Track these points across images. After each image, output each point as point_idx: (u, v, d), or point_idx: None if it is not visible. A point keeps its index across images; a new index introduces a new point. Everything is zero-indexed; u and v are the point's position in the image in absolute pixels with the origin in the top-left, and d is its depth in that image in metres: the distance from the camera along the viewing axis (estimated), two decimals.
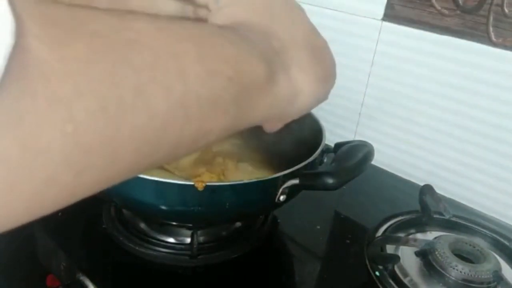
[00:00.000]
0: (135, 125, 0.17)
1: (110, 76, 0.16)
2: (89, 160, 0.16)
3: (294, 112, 0.29)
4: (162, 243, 0.56)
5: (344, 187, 0.48)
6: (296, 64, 0.28)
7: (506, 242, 0.59)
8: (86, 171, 0.16)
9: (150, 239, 0.56)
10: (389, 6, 0.74)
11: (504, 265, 0.55)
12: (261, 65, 0.25)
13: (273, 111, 0.27)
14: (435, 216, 0.62)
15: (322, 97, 0.31)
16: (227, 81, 0.22)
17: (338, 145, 0.56)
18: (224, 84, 0.22)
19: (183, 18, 0.26)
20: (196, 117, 0.20)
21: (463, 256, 0.54)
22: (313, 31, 0.31)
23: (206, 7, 0.30)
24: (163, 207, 0.48)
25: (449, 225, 0.62)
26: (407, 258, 0.55)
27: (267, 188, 0.49)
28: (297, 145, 0.65)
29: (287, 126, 0.31)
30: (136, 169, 0.20)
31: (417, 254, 0.54)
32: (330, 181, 0.46)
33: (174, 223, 0.56)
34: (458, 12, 0.68)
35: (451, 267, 0.51)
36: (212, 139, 0.23)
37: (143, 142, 0.18)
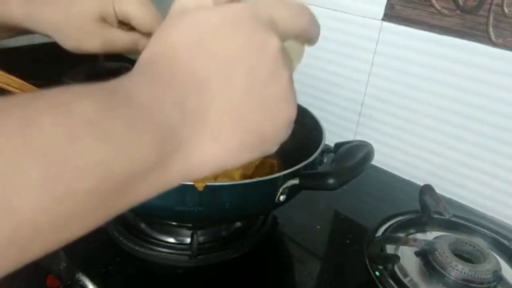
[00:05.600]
0: None
1: None
2: None
3: (194, 177, 0.24)
4: (162, 243, 0.56)
5: (344, 187, 0.48)
6: (214, 132, 0.23)
7: (506, 242, 0.59)
8: None
9: (150, 239, 0.56)
10: (389, 6, 0.74)
11: (504, 265, 0.55)
12: (148, 151, 0.20)
13: (160, 189, 0.22)
14: (435, 216, 0.62)
15: (248, 159, 0.24)
16: (87, 195, 0.18)
17: (338, 145, 0.56)
18: (82, 199, 0.18)
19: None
20: (38, 244, 0.18)
21: (463, 256, 0.54)
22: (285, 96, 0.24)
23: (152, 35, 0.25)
24: (163, 207, 0.48)
25: (449, 225, 0.62)
26: (407, 258, 0.55)
27: (267, 188, 0.49)
28: (297, 145, 0.65)
29: None
30: None
31: (417, 254, 0.54)
32: (330, 181, 0.46)
33: (174, 223, 0.56)
34: (458, 12, 0.68)
35: (451, 267, 0.51)
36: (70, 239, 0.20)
37: None
